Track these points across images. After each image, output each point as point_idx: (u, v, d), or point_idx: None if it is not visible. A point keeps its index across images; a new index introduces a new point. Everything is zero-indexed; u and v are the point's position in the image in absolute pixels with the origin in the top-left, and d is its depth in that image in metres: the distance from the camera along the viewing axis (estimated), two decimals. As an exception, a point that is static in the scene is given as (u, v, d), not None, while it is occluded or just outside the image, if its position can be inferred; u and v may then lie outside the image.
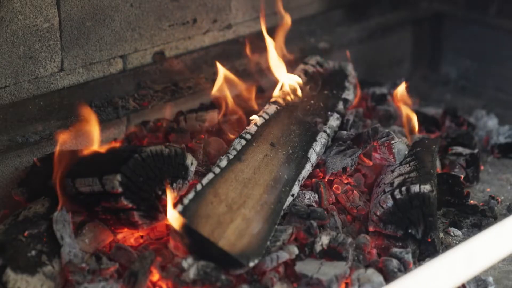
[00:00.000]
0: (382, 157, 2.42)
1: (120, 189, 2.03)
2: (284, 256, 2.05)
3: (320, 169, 2.41)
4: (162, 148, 2.11)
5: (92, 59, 2.53)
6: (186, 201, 2.02)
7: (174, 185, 2.14)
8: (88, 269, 1.98)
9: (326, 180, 2.38)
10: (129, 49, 2.62)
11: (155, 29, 2.66)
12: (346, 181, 2.39)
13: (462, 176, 2.55)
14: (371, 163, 2.45)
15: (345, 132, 2.53)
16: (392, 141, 2.40)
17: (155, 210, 2.10)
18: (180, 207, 2.00)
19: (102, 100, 2.56)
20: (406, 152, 2.43)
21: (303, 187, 2.33)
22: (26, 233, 2.01)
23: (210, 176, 2.12)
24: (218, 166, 2.16)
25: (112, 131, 2.62)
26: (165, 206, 2.07)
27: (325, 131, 2.44)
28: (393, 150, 2.39)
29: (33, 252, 1.98)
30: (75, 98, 2.50)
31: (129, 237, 2.15)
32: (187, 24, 2.75)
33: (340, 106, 2.60)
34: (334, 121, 2.51)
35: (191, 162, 2.17)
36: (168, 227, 2.10)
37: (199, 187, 2.07)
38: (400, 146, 2.41)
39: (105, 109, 2.55)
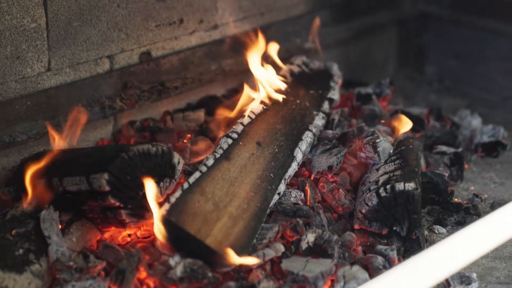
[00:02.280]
0: (367, 155, 2.44)
1: (107, 188, 2.04)
2: (270, 253, 2.06)
3: (306, 167, 2.43)
4: (149, 147, 2.12)
5: (79, 59, 2.53)
6: (173, 199, 2.03)
7: (161, 183, 2.15)
8: (75, 267, 1.99)
9: (312, 178, 2.39)
10: (116, 49, 2.62)
11: (141, 30, 2.67)
12: (332, 180, 2.41)
13: (446, 175, 2.58)
14: (356, 162, 2.47)
15: (330, 131, 2.55)
16: (377, 140, 2.42)
17: (142, 208, 2.11)
18: (167, 205, 2.01)
19: (89, 100, 2.56)
20: (391, 151, 2.46)
21: (289, 185, 2.35)
22: (13, 232, 2.02)
23: (197, 174, 2.13)
24: (205, 165, 2.17)
25: (99, 131, 2.62)
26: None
27: (311, 130, 2.45)
28: (378, 149, 2.42)
29: (21, 251, 1.98)
30: (62, 98, 2.50)
31: (116, 235, 2.15)
32: (173, 25, 2.76)
33: (326, 105, 2.62)
34: (319, 120, 2.53)
35: (178, 161, 2.18)
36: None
37: (186, 185, 2.08)
38: (385, 144, 2.44)
39: (92, 109, 2.55)
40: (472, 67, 3.40)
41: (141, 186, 2.09)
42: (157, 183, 2.13)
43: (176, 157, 2.18)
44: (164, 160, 2.15)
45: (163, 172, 2.15)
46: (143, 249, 2.06)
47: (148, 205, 2.06)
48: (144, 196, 2.09)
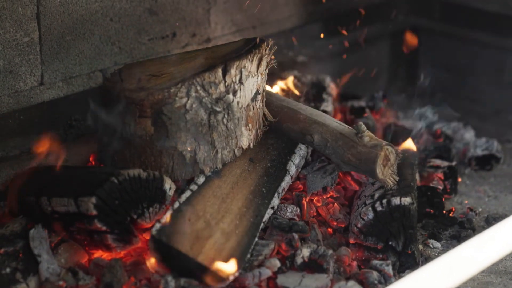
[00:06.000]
0: (358, 175, 2.43)
1: (94, 212, 2.01)
2: (266, 273, 2.05)
3: (300, 181, 2.41)
4: (140, 172, 2.08)
5: (72, 73, 2.52)
6: (163, 219, 2.02)
7: (151, 209, 2.10)
8: (65, 286, 1.97)
9: (307, 199, 2.37)
10: (109, 63, 2.62)
11: (134, 43, 2.66)
12: (328, 195, 2.39)
13: (441, 188, 2.58)
14: (354, 185, 2.45)
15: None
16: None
17: (130, 234, 2.07)
18: (157, 225, 2.00)
19: (82, 114, 2.55)
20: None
21: (285, 200, 2.34)
22: (1, 251, 2.00)
23: (187, 193, 2.12)
24: (196, 183, 2.16)
25: (91, 145, 2.60)
26: (140, 230, 2.07)
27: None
28: (365, 170, 2.40)
29: (8, 270, 1.97)
30: (55, 112, 2.49)
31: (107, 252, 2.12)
32: (166, 38, 2.75)
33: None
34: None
35: (170, 187, 2.13)
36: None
37: (176, 205, 2.07)
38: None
39: (85, 123, 2.54)
40: (463, 79, 3.41)
41: (129, 211, 2.07)
42: (146, 208, 2.10)
43: (168, 183, 2.13)
44: (155, 185, 2.10)
45: (153, 198, 2.10)
46: (136, 264, 2.04)
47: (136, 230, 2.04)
48: (132, 221, 2.07)
